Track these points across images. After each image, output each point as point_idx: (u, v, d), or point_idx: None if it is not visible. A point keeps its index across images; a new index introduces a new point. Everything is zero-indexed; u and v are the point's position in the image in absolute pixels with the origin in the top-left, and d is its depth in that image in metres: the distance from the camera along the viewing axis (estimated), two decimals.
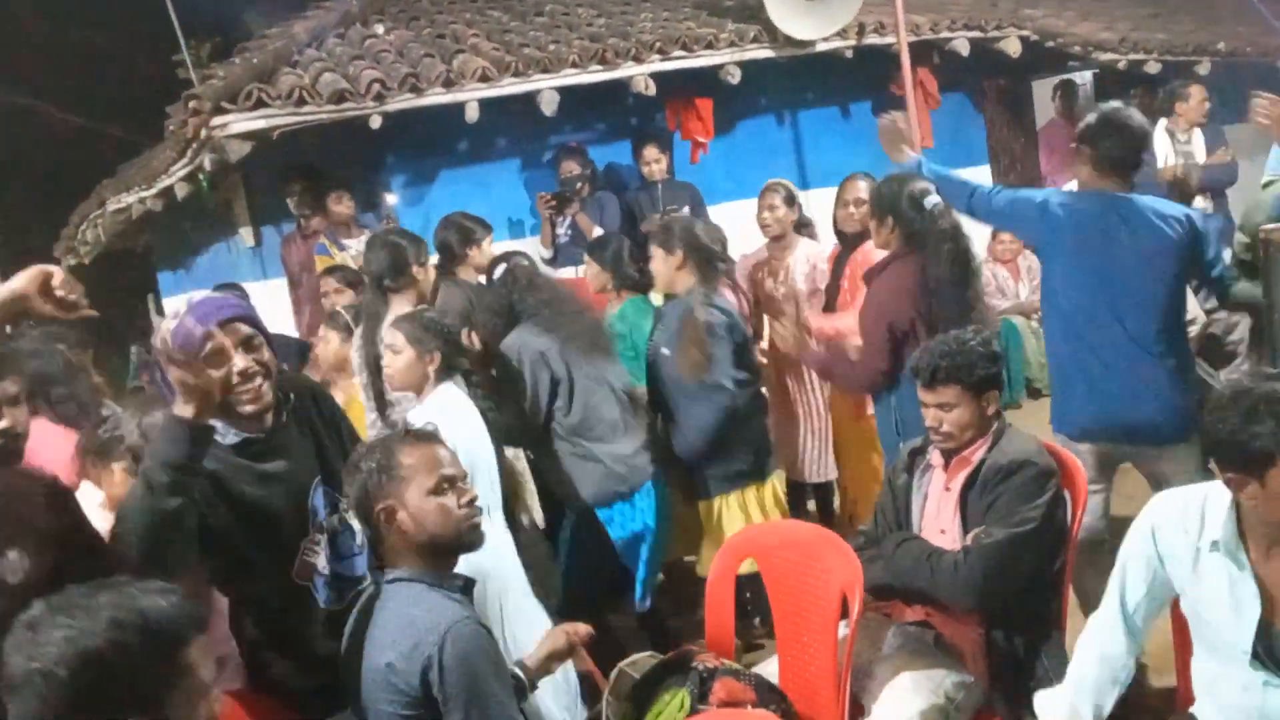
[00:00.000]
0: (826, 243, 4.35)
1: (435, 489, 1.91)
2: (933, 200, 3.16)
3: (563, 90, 5.34)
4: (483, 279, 3.98)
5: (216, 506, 1.94)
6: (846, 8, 5.81)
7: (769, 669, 2.52)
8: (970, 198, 3.18)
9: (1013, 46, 6.47)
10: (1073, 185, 3.81)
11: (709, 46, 5.68)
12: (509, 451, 3.31)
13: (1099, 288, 2.90)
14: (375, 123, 5.01)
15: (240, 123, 4.73)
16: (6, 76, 9.46)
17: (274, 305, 5.69)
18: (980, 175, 6.91)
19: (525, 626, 2.77)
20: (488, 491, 2.80)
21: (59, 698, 1.24)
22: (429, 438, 2.00)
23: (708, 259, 3.41)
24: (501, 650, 2.66)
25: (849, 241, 3.99)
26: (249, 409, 1.99)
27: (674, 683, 2.30)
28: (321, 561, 2.10)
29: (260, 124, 4.77)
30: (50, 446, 2.95)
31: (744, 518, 3.36)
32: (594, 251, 4.24)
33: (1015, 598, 2.39)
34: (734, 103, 6.12)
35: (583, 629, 2.22)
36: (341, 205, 5.41)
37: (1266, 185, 3.81)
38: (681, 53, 5.61)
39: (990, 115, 7.19)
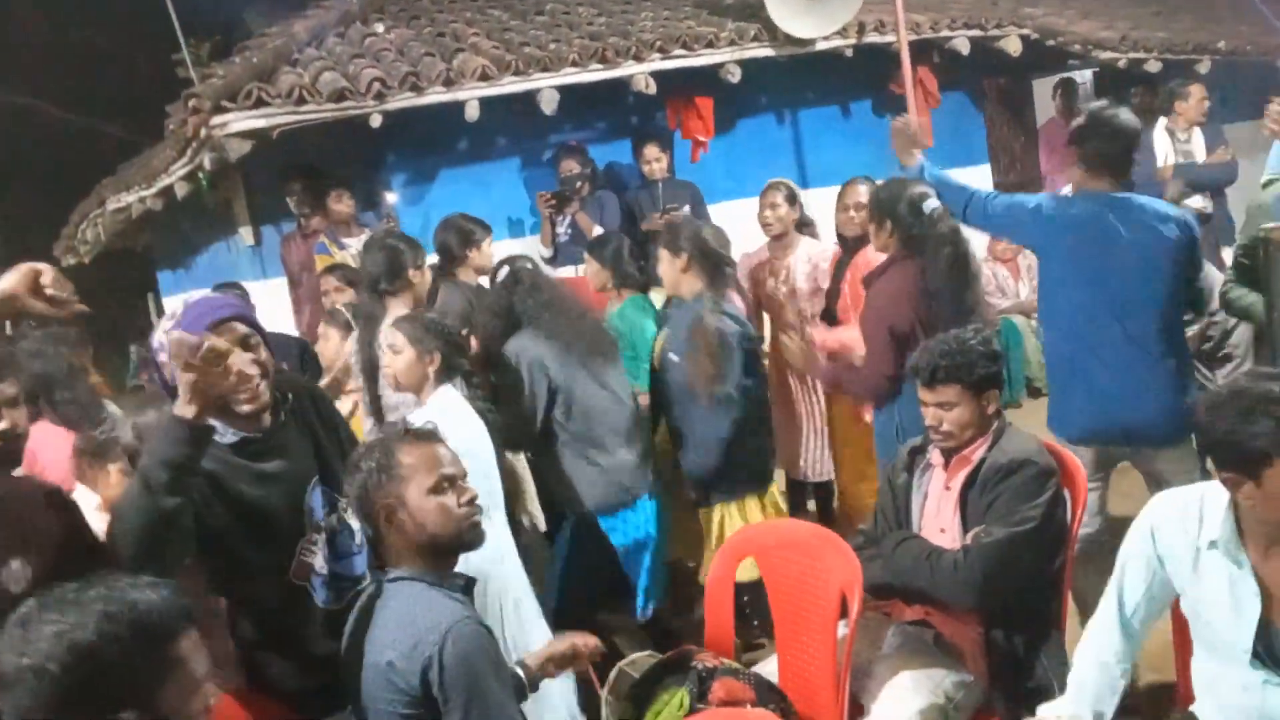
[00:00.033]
0: (827, 242, 4.35)
1: (435, 488, 1.91)
2: (932, 204, 3.15)
3: (563, 89, 5.34)
4: (482, 280, 3.98)
5: (214, 506, 1.94)
6: (846, 6, 5.81)
7: (768, 668, 2.53)
8: (966, 205, 3.17)
9: (1013, 45, 6.47)
10: (1069, 187, 3.81)
11: (709, 45, 5.68)
12: (509, 454, 3.31)
13: (1097, 289, 2.90)
14: (375, 121, 5.01)
15: (240, 121, 4.74)
16: (6, 76, 9.46)
17: (274, 304, 5.69)
18: (980, 174, 6.92)
19: (526, 627, 2.77)
20: (487, 492, 2.80)
21: (52, 693, 1.24)
22: (429, 436, 2.00)
23: (714, 263, 3.39)
24: (502, 650, 2.68)
25: (850, 245, 3.99)
26: (247, 408, 1.99)
27: (673, 682, 2.30)
28: (319, 561, 2.10)
29: (260, 123, 4.77)
30: (52, 448, 2.95)
31: (745, 524, 3.35)
32: (594, 250, 4.24)
33: (1015, 597, 2.39)
34: (734, 101, 6.12)
35: (593, 641, 2.21)
36: (341, 204, 5.41)
37: (1267, 184, 3.82)
38: (682, 51, 5.61)
39: (990, 114, 7.19)
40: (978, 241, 6.09)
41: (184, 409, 1.75)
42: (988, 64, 6.68)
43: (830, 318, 4.02)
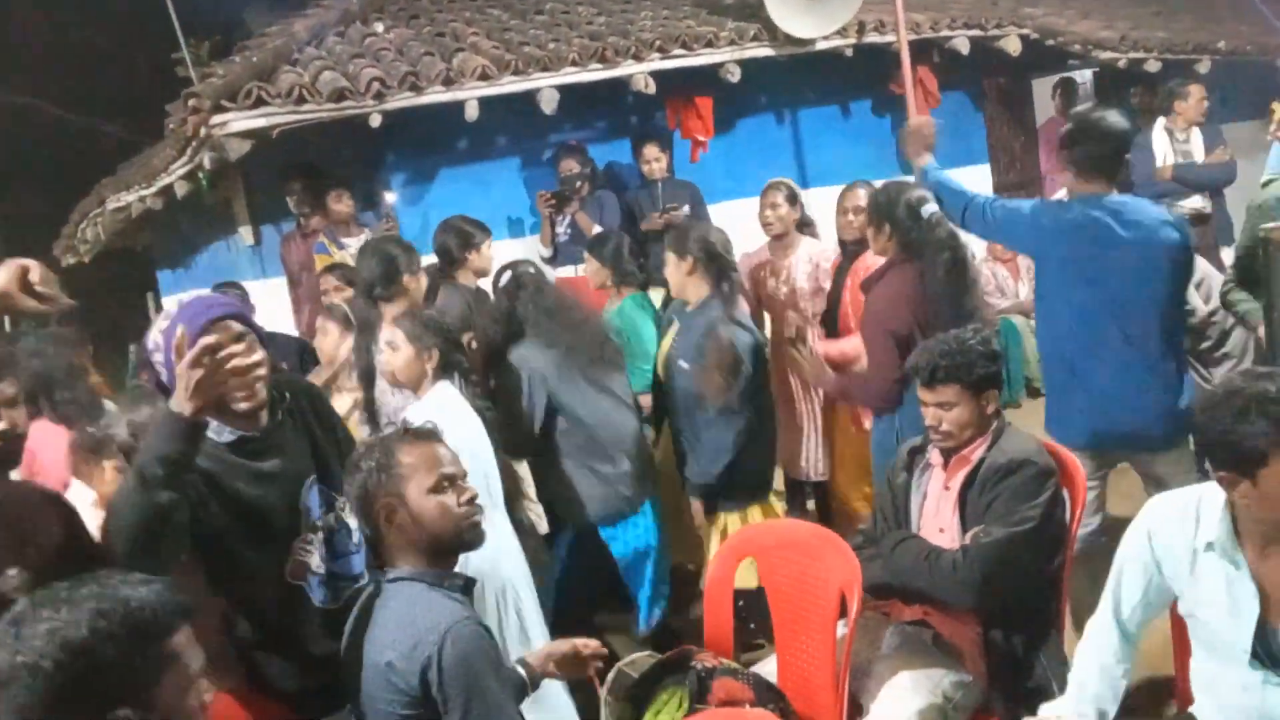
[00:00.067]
0: (828, 242, 4.35)
1: (435, 487, 1.91)
2: (930, 209, 3.15)
3: (562, 89, 5.34)
4: (482, 283, 3.98)
5: (211, 505, 1.94)
6: (846, 6, 5.81)
7: (767, 668, 2.53)
8: (965, 210, 3.16)
9: (1013, 45, 6.47)
10: (1064, 191, 3.82)
11: (709, 45, 5.67)
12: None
13: (1093, 293, 2.90)
14: (375, 121, 5.01)
15: (240, 121, 4.73)
16: (6, 75, 9.46)
17: (274, 304, 5.69)
18: (980, 174, 6.92)
19: (527, 624, 2.77)
20: (486, 490, 2.80)
21: (47, 691, 1.24)
22: (429, 436, 2.00)
23: (719, 267, 3.37)
24: (502, 649, 2.68)
25: (850, 250, 3.99)
26: (243, 406, 1.99)
27: (672, 682, 2.31)
28: (315, 560, 2.10)
29: (260, 122, 4.77)
30: (51, 447, 2.95)
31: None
32: (594, 248, 4.24)
33: (1014, 597, 2.39)
34: (734, 101, 6.12)
35: (594, 644, 2.21)
36: (341, 204, 5.41)
37: (1266, 184, 3.81)
38: (681, 51, 5.61)
39: (990, 114, 7.19)
40: (977, 242, 6.13)
41: (181, 404, 1.76)
42: (987, 64, 6.68)
43: (831, 323, 4.02)
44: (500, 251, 4.40)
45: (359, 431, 3.31)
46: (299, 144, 5.11)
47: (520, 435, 3.20)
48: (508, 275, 3.52)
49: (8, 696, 1.24)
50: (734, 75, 5.76)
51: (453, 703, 1.77)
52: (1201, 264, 3.67)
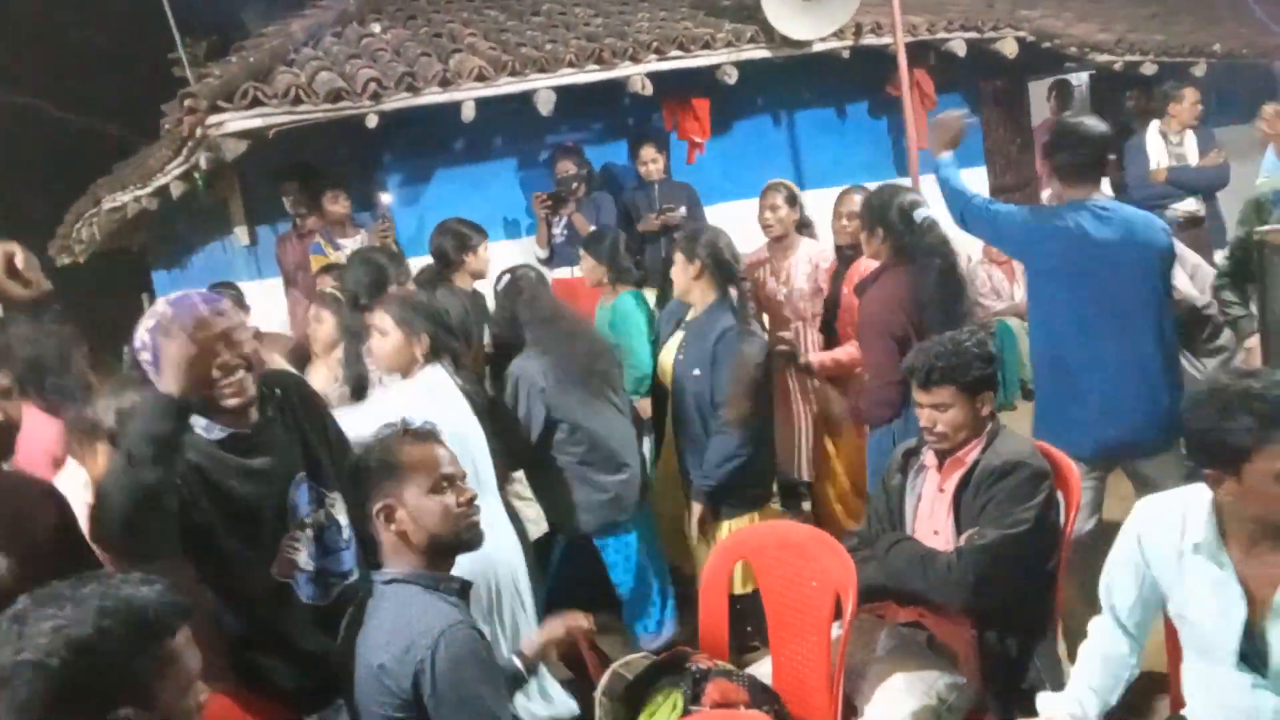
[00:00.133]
0: (826, 242, 4.35)
1: (434, 488, 1.91)
2: (922, 213, 3.16)
3: (559, 90, 5.33)
4: (478, 286, 3.98)
5: (201, 501, 1.94)
6: (843, 8, 5.81)
7: (762, 670, 2.53)
8: (964, 208, 3.17)
9: (1009, 47, 6.48)
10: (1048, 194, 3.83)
11: (706, 46, 5.68)
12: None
13: (1084, 298, 2.91)
14: (371, 122, 5.00)
15: (236, 121, 4.73)
16: (3, 75, 9.44)
17: (269, 305, 5.68)
18: (976, 176, 6.93)
19: (525, 605, 2.79)
20: (477, 474, 2.80)
21: (49, 688, 1.24)
22: (428, 436, 2.00)
23: (727, 275, 3.36)
24: (499, 639, 2.68)
25: (847, 255, 4.00)
26: (232, 403, 1.98)
27: (667, 683, 2.30)
28: (303, 558, 2.09)
29: (256, 123, 4.76)
30: (37, 437, 2.93)
31: None
32: (590, 245, 4.23)
33: (1008, 599, 2.40)
34: (731, 103, 6.12)
35: (583, 619, 2.22)
36: (337, 204, 5.41)
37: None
38: (678, 53, 5.61)
39: (986, 116, 7.19)
40: (974, 245, 6.14)
41: (168, 384, 1.75)
42: (984, 66, 6.69)
43: (829, 328, 4.03)
44: (496, 253, 4.40)
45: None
46: (295, 144, 5.11)
47: (518, 445, 3.20)
48: (507, 278, 3.51)
49: (10, 694, 1.24)
50: (731, 77, 5.76)
51: (443, 708, 1.77)
52: (1192, 256, 3.68)
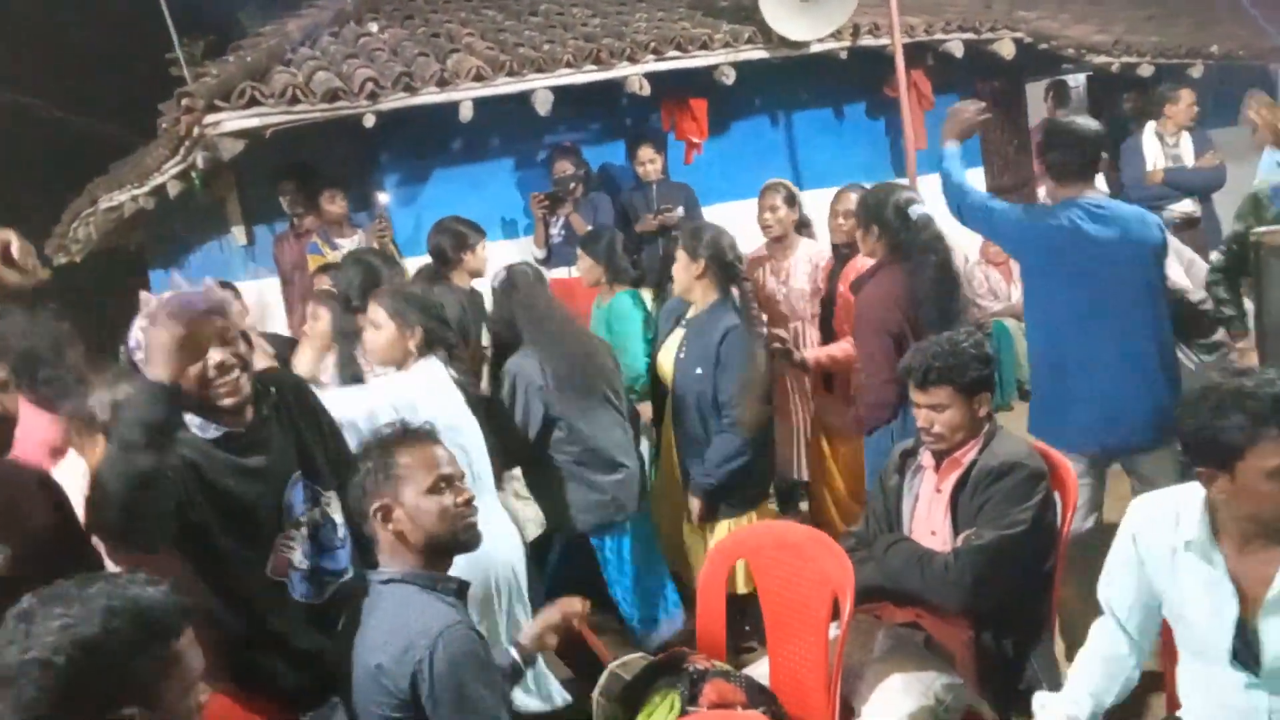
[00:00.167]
0: (825, 242, 4.35)
1: (432, 488, 1.92)
2: (917, 210, 3.16)
3: (557, 90, 5.33)
4: (476, 284, 3.97)
5: (197, 499, 1.94)
6: (841, 9, 5.81)
7: (760, 670, 2.53)
8: (962, 201, 3.18)
9: (1007, 49, 6.49)
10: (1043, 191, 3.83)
11: (704, 47, 5.68)
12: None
13: (1081, 295, 2.92)
14: (369, 122, 5.00)
15: (233, 121, 4.72)
16: (0, 74, 9.42)
17: (267, 304, 5.68)
18: (973, 177, 6.92)
19: (524, 596, 2.79)
20: (473, 465, 2.81)
21: (56, 687, 1.24)
22: (427, 437, 2.00)
23: (730, 274, 3.36)
24: (497, 633, 2.69)
25: (843, 253, 4.00)
26: (227, 402, 1.98)
27: (665, 684, 2.30)
28: (298, 556, 2.09)
29: (253, 122, 4.76)
30: (30, 431, 2.92)
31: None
32: (587, 245, 4.23)
33: (1005, 600, 2.40)
34: (728, 103, 6.12)
35: (578, 603, 2.22)
36: (334, 204, 5.40)
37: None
38: (676, 53, 5.61)
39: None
40: (971, 245, 6.14)
41: (158, 373, 1.76)
42: (982, 67, 6.70)
43: (827, 327, 4.03)
44: (494, 253, 4.40)
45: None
46: (292, 144, 5.10)
47: (515, 443, 3.20)
48: (503, 275, 3.51)
49: (16, 692, 1.24)
50: (729, 77, 5.76)
51: (441, 709, 1.77)
52: (1187, 251, 3.69)
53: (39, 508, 1.86)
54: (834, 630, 2.33)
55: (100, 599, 1.30)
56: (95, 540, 1.92)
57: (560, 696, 2.78)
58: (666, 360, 3.49)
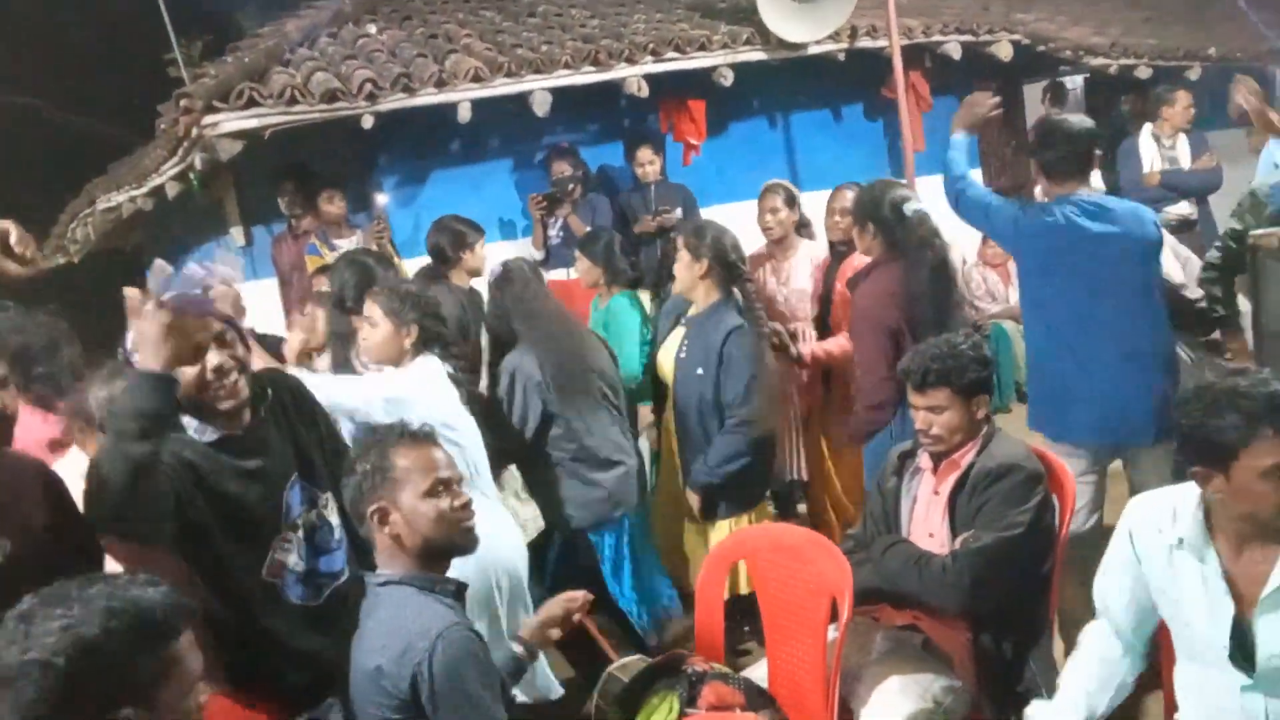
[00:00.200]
0: (824, 243, 4.35)
1: (430, 491, 1.91)
2: (913, 207, 3.17)
3: (555, 91, 5.33)
4: (475, 284, 3.97)
5: (195, 499, 1.94)
6: (839, 11, 5.82)
7: (758, 673, 2.53)
8: (962, 191, 3.19)
9: (1004, 50, 6.50)
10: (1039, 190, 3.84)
11: (702, 48, 5.68)
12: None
13: (1079, 291, 2.94)
14: (367, 122, 5.00)
15: (231, 122, 4.72)
16: (1, 75, 9.41)
17: (265, 305, 5.67)
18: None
19: (523, 593, 2.79)
20: (472, 462, 2.82)
21: (55, 688, 1.24)
22: (425, 439, 2.00)
23: (733, 274, 3.35)
24: (499, 631, 2.69)
25: (840, 251, 4.01)
26: (225, 405, 1.98)
27: (663, 686, 2.31)
28: (293, 559, 2.09)
29: (252, 123, 4.76)
30: (24, 428, 2.91)
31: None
32: (585, 246, 4.23)
33: (1003, 602, 2.40)
34: (726, 105, 6.12)
35: (579, 595, 2.22)
36: (333, 205, 5.39)
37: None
38: (674, 54, 5.61)
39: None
40: (969, 247, 6.15)
41: (148, 361, 1.76)
42: (979, 69, 6.71)
43: (823, 325, 4.03)
44: (493, 254, 4.39)
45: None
46: (291, 145, 5.10)
47: (512, 440, 3.19)
48: (499, 269, 3.50)
49: (14, 692, 1.24)
50: (727, 79, 5.76)
51: (442, 710, 1.77)
52: (1184, 249, 3.70)
53: (39, 501, 1.85)
54: (832, 632, 2.33)
55: (100, 600, 1.30)
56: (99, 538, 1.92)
57: (553, 690, 2.78)
58: (667, 360, 3.48)
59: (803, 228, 4.32)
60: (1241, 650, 1.83)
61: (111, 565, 1.94)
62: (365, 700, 1.84)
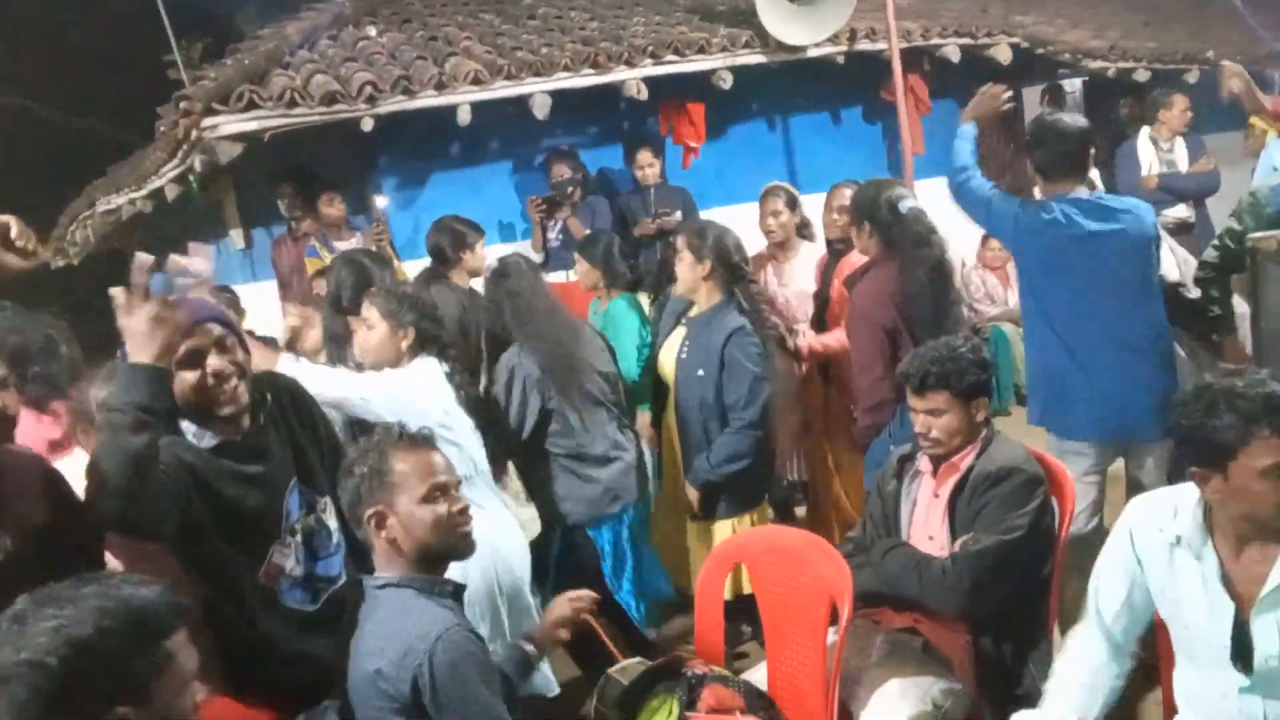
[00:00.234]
0: (823, 241, 4.36)
1: (427, 496, 1.91)
2: (908, 204, 3.18)
3: (555, 94, 5.34)
4: (475, 284, 3.97)
5: (195, 502, 1.93)
6: (838, 14, 5.83)
7: (758, 676, 2.53)
8: (965, 182, 3.22)
9: (1003, 54, 6.51)
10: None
11: (701, 51, 5.69)
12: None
13: (1078, 288, 2.95)
14: (367, 125, 5.00)
15: (231, 124, 4.72)
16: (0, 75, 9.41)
17: (264, 308, 5.67)
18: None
19: (522, 591, 2.80)
20: (470, 461, 2.82)
21: (49, 688, 1.24)
22: (424, 442, 1.99)
23: (736, 275, 3.35)
24: (500, 632, 2.69)
25: (837, 249, 4.01)
26: (225, 410, 1.98)
27: (663, 689, 2.30)
28: (291, 563, 2.09)
29: (251, 125, 4.76)
30: (23, 429, 2.91)
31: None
32: (584, 249, 4.23)
33: (1003, 605, 2.40)
34: (726, 107, 6.13)
35: (586, 595, 2.22)
36: (333, 208, 5.40)
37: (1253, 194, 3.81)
38: (674, 57, 5.62)
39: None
40: (968, 248, 6.15)
41: (137, 354, 1.75)
42: (978, 72, 6.69)
43: (820, 324, 4.03)
44: (492, 256, 4.39)
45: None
46: (290, 147, 5.10)
47: (508, 437, 3.19)
48: (495, 264, 3.50)
49: (9, 693, 1.24)
50: (726, 82, 5.77)
51: (447, 711, 1.77)
52: (1182, 251, 3.71)
53: (39, 499, 1.85)
54: (832, 635, 2.33)
55: (93, 599, 1.30)
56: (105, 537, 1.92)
57: (550, 687, 2.78)
58: (668, 359, 3.48)
59: (804, 229, 4.32)
60: (1240, 651, 1.83)
61: (113, 565, 1.94)
62: (364, 703, 1.84)
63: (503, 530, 2.90)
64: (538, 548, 3.29)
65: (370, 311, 2.87)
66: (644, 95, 5.56)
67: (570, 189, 5.41)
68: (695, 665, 2.36)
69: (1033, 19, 7.02)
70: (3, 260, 1.87)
